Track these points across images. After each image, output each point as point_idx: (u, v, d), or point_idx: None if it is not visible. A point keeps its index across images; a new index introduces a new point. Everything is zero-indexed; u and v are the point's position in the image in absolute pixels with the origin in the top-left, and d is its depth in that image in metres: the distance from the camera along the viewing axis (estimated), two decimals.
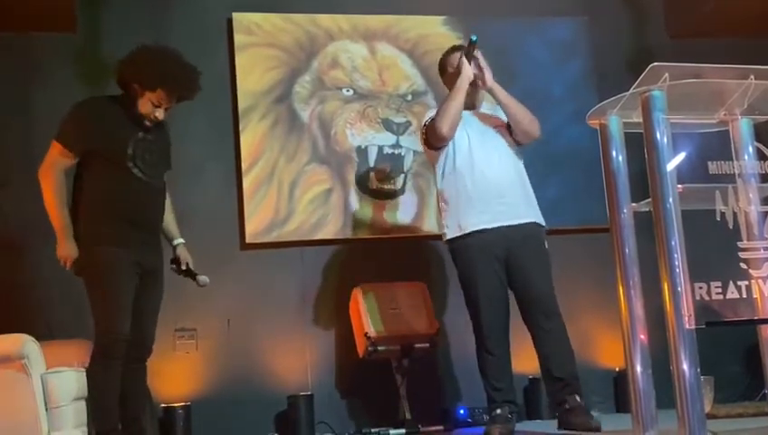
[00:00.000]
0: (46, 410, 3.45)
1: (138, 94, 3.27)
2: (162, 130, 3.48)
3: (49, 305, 4.52)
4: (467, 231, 3.67)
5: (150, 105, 3.27)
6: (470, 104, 3.81)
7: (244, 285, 4.90)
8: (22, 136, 4.70)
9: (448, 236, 3.75)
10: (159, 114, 3.31)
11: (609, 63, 5.42)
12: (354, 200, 5.15)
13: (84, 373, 3.32)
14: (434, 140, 3.76)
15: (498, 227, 3.63)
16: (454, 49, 3.93)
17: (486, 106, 3.92)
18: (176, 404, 4.51)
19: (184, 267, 3.49)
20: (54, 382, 3.48)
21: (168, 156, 3.52)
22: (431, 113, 3.85)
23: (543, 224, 3.76)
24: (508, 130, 3.78)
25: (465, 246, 3.68)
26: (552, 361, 3.62)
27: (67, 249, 3.22)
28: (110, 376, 3.18)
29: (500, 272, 3.67)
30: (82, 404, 3.52)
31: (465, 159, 3.71)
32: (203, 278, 3.48)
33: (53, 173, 3.24)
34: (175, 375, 4.70)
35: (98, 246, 3.23)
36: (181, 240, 3.55)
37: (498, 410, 3.64)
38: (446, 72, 3.89)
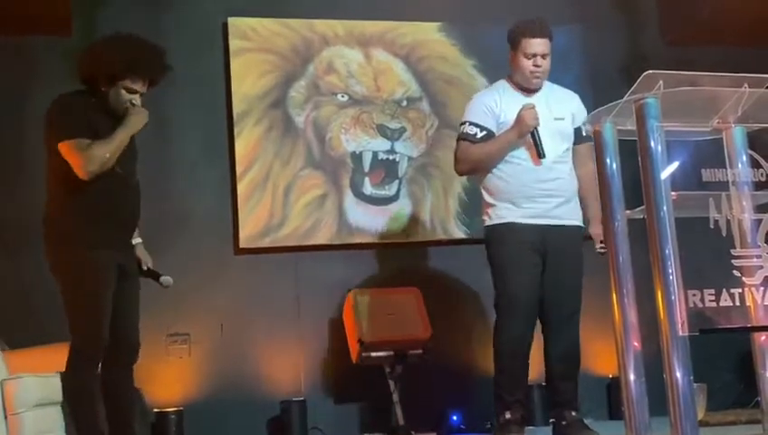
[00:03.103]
0: (4, 417, 3.40)
1: (108, 87, 3.11)
2: None
3: (38, 309, 4.48)
4: (507, 220, 3.56)
5: (125, 94, 3.12)
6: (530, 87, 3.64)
7: (238, 289, 4.89)
8: (16, 139, 4.69)
9: (487, 223, 3.64)
10: (136, 100, 3.14)
11: (604, 71, 5.43)
12: (349, 206, 5.15)
13: (52, 378, 3.21)
14: (455, 169, 3.80)
15: (540, 225, 3.55)
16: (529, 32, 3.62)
17: (554, 87, 3.75)
18: (168, 409, 4.50)
19: (145, 268, 3.31)
20: (12, 389, 3.42)
21: (136, 154, 3.32)
22: (469, 112, 3.67)
23: (584, 226, 3.68)
24: (574, 132, 3.67)
25: (504, 233, 3.57)
26: (561, 363, 3.56)
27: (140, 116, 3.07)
28: (87, 382, 3.06)
29: (537, 263, 3.55)
30: (50, 410, 3.46)
31: (521, 152, 3.56)
32: (166, 279, 3.27)
33: (88, 152, 2.99)
34: (167, 380, 4.69)
35: (78, 247, 3.07)
36: (139, 240, 3.35)
37: (508, 414, 3.51)
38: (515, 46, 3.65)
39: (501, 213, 3.60)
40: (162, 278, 3.28)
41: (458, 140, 3.71)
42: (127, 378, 3.27)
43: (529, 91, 3.65)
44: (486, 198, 3.68)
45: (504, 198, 3.60)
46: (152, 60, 3.19)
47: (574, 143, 3.67)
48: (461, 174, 3.96)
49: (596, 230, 3.57)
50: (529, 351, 3.57)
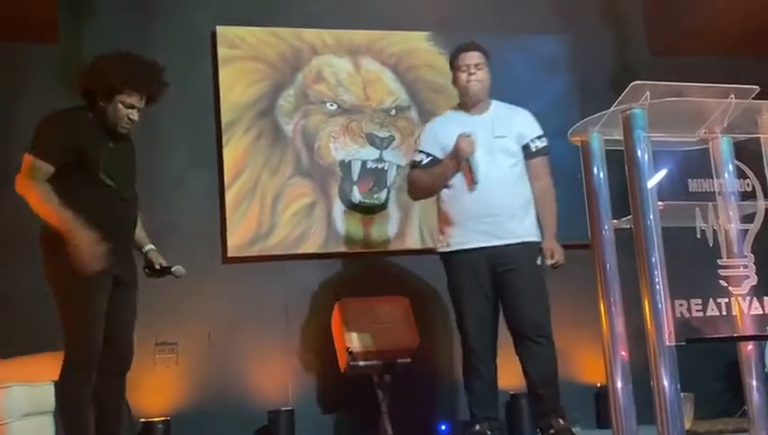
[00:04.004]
0: None
1: (106, 102, 3.20)
2: (128, 141, 3.41)
3: (30, 318, 4.46)
4: (455, 248, 3.73)
5: (122, 108, 3.21)
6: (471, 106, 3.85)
7: (226, 299, 4.87)
8: (2, 147, 4.66)
9: (440, 250, 3.82)
10: (134, 115, 3.24)
11: (591, 80, 5.46)
12: (337, 214, 5.15)
13: (41, 388, 3.22)
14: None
15: (486, 247, 3.67)
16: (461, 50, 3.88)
17: (501, 107, 3.89)
18: (155, 419, 4.47)
19: (158, 267, 3.38)
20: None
21: (134, 167, 3.43)
22: (421, 140, 3.93)
23: (538, 241, 3.75)
24: (523, 149, 3.80)
25: (453, 261, 3.74)
26: (534, 376, 3.65)
27: (86, 237, 3.04)
28: (80, 390, 3.08)
29: (487, 290, 3.70)
30: (41, 420, 3.45)
31: (458, 177, 3.73)
32: (178, 269, 3.35)
33: (36, 183, 3.11)
34: (155, 389, 4.66)
35: (70, 257, 3.08)
36: (152, 246, 3.45)
37: (477, 427, 3.66)
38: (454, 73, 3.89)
39: (450, 240, 3.76)
40: (174, 269, 3.36)
41: (410, 167, 3.96)
42: (117, 387, 3.29)
43: (475, 110, 3.83)
44: (438, 223, 3.89)
45: (451, 223, 3.76)
46: (149, 75, 3.27)
47: (526, 159, 3.80)
48: (414, 199, 4.19)
49: (547, 244, 3.71)
50: (492, 372, 3.72)
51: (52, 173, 3.14)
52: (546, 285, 3.77)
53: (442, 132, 3.83)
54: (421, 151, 3.88)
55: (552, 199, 3.80)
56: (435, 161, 3.83)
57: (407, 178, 3.97)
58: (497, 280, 3.69)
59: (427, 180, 3.83)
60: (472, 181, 3.66)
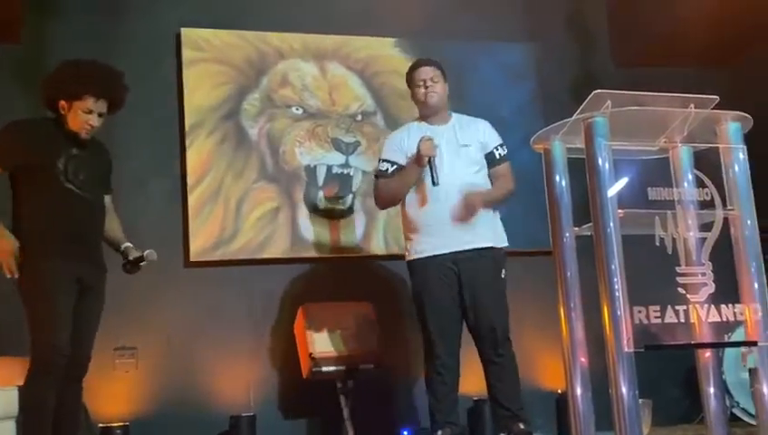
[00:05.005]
0: None
1: (66, 109, 3.27)
2: (101, 149, 3.48)
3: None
4: (423, 255, 3.76)
5: (82, 114, 3.26)
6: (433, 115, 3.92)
7: (188, 303, 4.82)
8: None
9: (407, 258, 3.86)
10: (93, 120, 3.29)
11: (555, 89, 5.50)
12: (302, 220, 5.13)
13: (7, 393, 3.21)
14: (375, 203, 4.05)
15: (452, 253, 3.71)
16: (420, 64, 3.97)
17: (462, 118, 3.97)
18: (114, 424, 4.40)
19: (131, 258, 3.42)
20: None
21: (106, 175, 3.50)
22: (383, 150, 3.97)
23: (503, 247, 3.83)
24: (487, 157, 3.88)
25: (419, 268, 3.78)
26: (499, 390, 3.70)
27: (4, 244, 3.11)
28: (46, 395, 3.08)
29: (453, 296, 3.73)
30: (4, 425, 3.40)
31: (427, 184, 3.76)
32: (150, 253, 3.41)
33: None
34: (114, 394, 4.59)
35: (37, 259, 3.16)
36: (128, 244, 3.49)
37: (439, 433, 3.68)
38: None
39: (417, 247, 3.80)
40: (146, 253, 3.41)
41: (375, 177, 3.99)
42: (74, 392, 3.27)
43: (436, 120, 3.91)
44: (404, 231, 3.92)
45: (417, 230, 3.80)
46: (106, 80, 3.34)
47: (490, 166, 3.89)
48: (382, 208, 4.17)
49: (471, 196, 3.73)
50: (455, 378, 3.74)
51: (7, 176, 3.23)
52: (506, 295, 3.80)
53: (405, 141, 3.89)
54: (385, 160, 3.92)
55: (507, 188, 3.87)
56: (400, 169, 3.88)
57: (373, 188, 4.01)
58: (462, 288, 3.73)
59: (392, 186, 3.88)
60: (433, 183, 3.71)
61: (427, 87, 3.86)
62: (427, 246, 3.75)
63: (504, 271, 3.79)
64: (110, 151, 3.56)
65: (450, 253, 3.71)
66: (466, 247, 3.72)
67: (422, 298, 3.77)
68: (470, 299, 3.72)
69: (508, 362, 3.72)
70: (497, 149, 3.90)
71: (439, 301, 3.72)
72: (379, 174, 3.95)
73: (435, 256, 3.73)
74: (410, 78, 3.95)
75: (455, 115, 3.97)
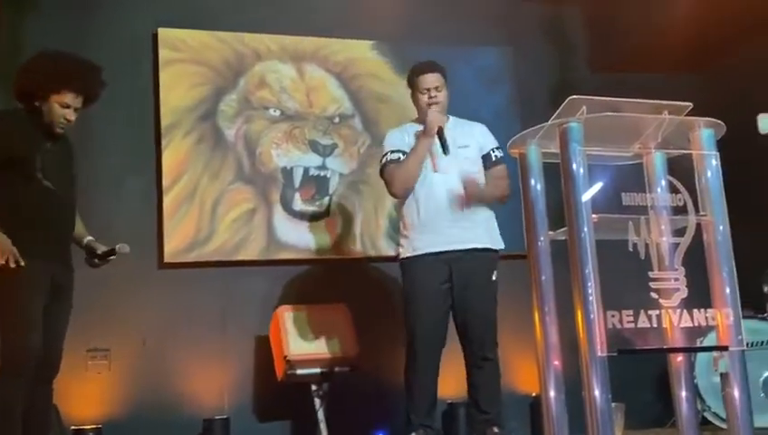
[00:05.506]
0: None
1: (42, 101, 3.18)
2: (67, 143, 3.39)
3: None
4: (418, 252, 3.75)
5: (59, 108, 3.19)
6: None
7: (162, 305, 4.79)
8: None
9: (402, 256, 3.84)
10: (70, 115, 3.21)
11: (532, 94, 5.53)
12: (278, 221, 5.11)
13: None
14: (390, 193, 3.93)
15: (448, 251, 3.71)
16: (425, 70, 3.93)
17: (459, 121, 3.99)
18: (86, 427, 4.37)
19: (100, 252, 3.36)
20: None
21: (72, 170, 3.41)
22: (388, 144, 3.92)
23: (498, 249, 3.84)
24: (484, 159, 3.90)
25: (413, 266, 3.76)
26: (480, 394, 3.71)
27: None
28: (13, 396, 3.02)
29: (444, 295, 3.73)
30: None
31: (424, 182, 3.78)
32: (122, 246, 3.33)
33: None
34: (86, 396, 4.55)
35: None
36: (91, 238, 3.43)
37: (413, 434, 3.67)
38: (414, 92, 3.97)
39: (413, 244, 3.78)
40: (118, 247, 3.33)
41: (383, 168, 3.91)
42: (44, 393, 3.21)
43: None
44: (401, 229, 3.89)
45: (414, 228, 3.78)
46: (85, 75, 3.26)
47: (486, 168, 3.90)
48: (399, 193, 3.92)
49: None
50: (435, 379, 3.73)
51: None
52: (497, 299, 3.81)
53: (406, 138, 3.90)
54: (395, 151, 3.87)
55: (500, 189, 3.86)
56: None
57: (384, 176, 3.90)
58: (453, 288, 3.73)
59: (407, 164, 3.80)
60: (443, 152, 3.69)
61: (431, 97, 3.85)
62: (423, 243, 3.74)
63: (495, 273, 3.79)
64: (85, 147, 3.50)
65: (446, 251, 3.71)
66: (463, 247, 3.72)
67: (411, 297, 3.75)
68: (461, 300, 3.72)
69: (493, 366, 3.73)
70: (494, 151, 3.92)
71: (428, 302, 3.71)
72: (391, 161, 3.86)
73: (430, 253, 3.72)
74: (414, 82, 3.93)
75: (452, 118, 3.98)
